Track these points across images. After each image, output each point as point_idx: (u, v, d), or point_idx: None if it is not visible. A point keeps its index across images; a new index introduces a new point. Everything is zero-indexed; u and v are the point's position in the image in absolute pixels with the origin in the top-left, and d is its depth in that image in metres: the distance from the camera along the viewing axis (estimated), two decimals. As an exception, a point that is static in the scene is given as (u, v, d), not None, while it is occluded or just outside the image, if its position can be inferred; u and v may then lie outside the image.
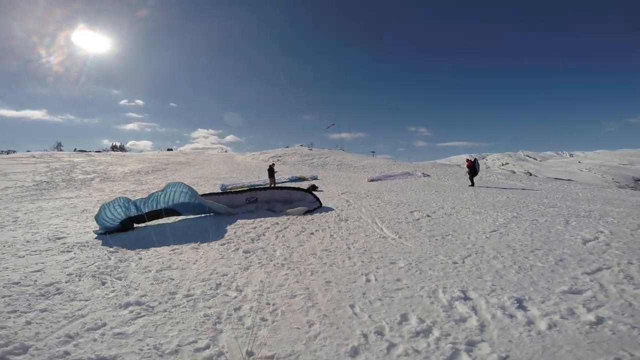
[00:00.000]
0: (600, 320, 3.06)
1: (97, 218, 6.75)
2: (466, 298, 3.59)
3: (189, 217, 8.30)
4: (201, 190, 13.74)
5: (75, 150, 43.98)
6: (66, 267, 4.71)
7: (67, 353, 2.73)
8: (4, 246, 5.72)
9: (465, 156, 16.98)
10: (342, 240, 6.02)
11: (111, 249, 5.65)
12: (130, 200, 7.26)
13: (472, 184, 15.11)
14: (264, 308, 3.49)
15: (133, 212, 7.15)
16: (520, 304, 3.41)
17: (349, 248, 5.56)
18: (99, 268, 4.69)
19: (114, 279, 4.31)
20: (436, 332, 2.97)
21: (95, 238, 6.36)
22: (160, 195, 7.50)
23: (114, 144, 60.50)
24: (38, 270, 4.54)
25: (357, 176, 22.12)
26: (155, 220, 7.77)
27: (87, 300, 3.67)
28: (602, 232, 6.11)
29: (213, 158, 38.31)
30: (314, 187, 15.14)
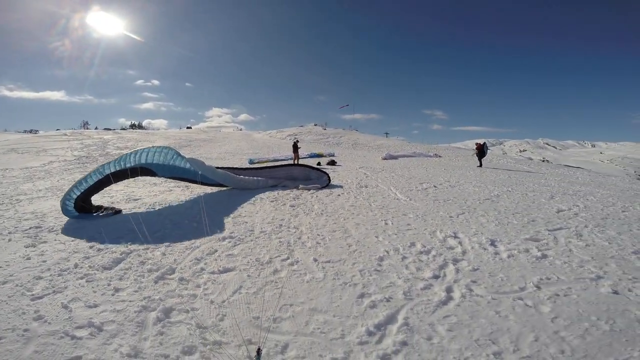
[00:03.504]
0: (544, 256, 4.45)
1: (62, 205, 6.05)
2: (455, 237, 5.18)
3: (224, 188, 8.67)
4: (229, 163, 15.43)
5: (96, 128, 46.48)
6: (164, 215, 6.20)
7: (202, 269, 3.98)
8: (107, 205, 6.88)
9: (479, 140, 18.22)
10: (364, 200, 7.68)
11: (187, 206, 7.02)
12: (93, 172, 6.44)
13: (480, 165, 16.47)
14: (316, 237, 5.14)
15: (91, 181, 6.34)
16: (493, 243, 4.94)
17: (370, 205, 7.22)
18: (191, 214, 6.18)
19: (207, 221, 5.61)
20: (433, 252, 4.56)
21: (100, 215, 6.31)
22: (130, 155, 6.84)
23: (132, 122, 63.44)
24: (140, 222, 5.41)
25: (371, 155, 23.60)
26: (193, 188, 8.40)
27: (196, 238, 4.99)
28: (577, 205, 7.50)
29: (232, 136, 39.90)
30: (333, 162, 16.71)
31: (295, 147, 17.10)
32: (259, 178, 9.37)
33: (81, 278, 3.73)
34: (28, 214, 6.28)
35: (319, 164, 16.29)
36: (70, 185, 6.33)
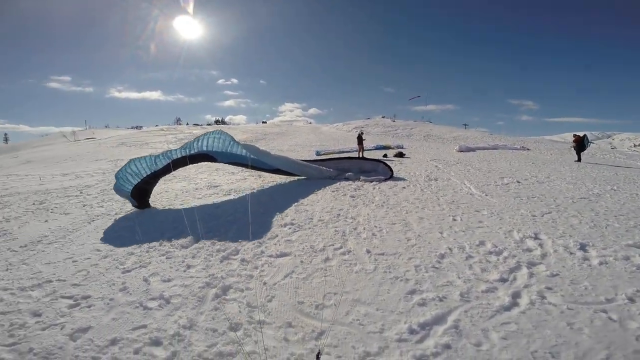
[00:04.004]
0: (648, 266, 3.61)
1: (118, 175, 6.28)
2: (536, 238, 4.50)
3: (293, 178, 8.90)
4: (298, 155, 15.90)
5: (187, 124, 53.09)
6: (237, 201, 6.78)
7: (262, 252, 4.24)
8: (192, 190, 8.07)
9: (578, 132, 15.64)
10: (432, 194, 7.17)
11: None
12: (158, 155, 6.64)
13: (579, 160, 14.13)
14: (373, 229, 4.97)
15: (160, 165, 6.58)
16: (583, 247, 4.17)
17: (438, 199, 6.70)
18: (259, 201, 6.65)
19: (273, 208, 6.13)
20: (505, 253, 4.03)
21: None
22: (193, 143, 7.06)
23: (216, 118, 72.40)
24: (218, 207, 6.40)
25: (446, 147, 21.98)
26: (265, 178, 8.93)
27: (262, 223, 5.31)
28: None
29: (302, 129, 41.11)
30: (401, 154, 16.01)
31: (360, 139, 16.81)
32: (314, 166, 9.37)
33: (163, 255, 4.23)
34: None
35: (385, 156, 15.78)
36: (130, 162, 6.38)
